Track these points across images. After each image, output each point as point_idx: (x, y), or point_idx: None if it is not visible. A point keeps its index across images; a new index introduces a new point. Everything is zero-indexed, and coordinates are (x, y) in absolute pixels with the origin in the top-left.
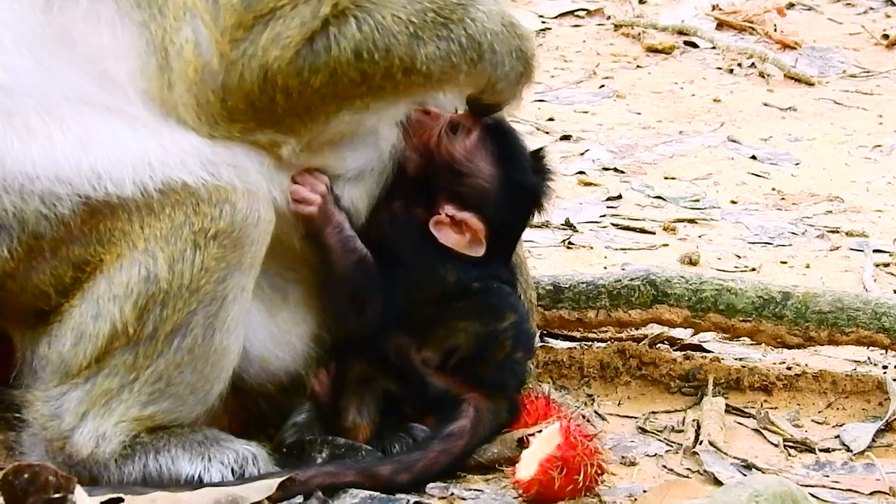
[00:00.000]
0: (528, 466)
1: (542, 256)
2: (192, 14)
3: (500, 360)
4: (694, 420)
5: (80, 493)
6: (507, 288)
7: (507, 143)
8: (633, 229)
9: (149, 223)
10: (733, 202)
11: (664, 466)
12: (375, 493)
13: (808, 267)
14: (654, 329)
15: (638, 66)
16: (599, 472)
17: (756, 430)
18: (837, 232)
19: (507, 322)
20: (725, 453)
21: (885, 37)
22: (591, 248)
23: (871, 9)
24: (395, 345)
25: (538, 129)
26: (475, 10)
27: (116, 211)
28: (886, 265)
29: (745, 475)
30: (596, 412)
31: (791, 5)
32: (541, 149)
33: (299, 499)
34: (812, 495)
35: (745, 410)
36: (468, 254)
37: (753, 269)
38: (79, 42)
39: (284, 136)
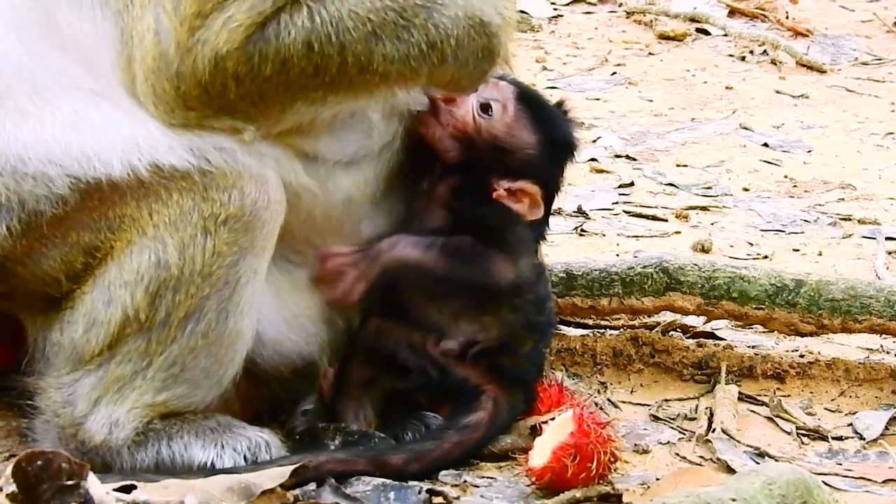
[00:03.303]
0: (540, 454)
1: (555, 244)
2: (156, 3)
3: (525, 352)
4: (707, 408)
5: (92, 479)
6: (545, 275)
7: (539, 106)
8: (646, 216)
9: (157, 210)
10: (745, 189)
11: (677, 454)
12: (388, 481)
13: (820, 254)
14: (666, 316)
15: (650, 54)
16: (612, 459)
17: (769, 418)
18: (850, 219)
19: (549, 316)
20: (738, 441)
21: None
22: (604, 235)
23: None
24: (407, 342)
25: None
26: (439, 16)
27: (125, 197)
28: None
29: (757, 463)
30: (609, 400)
31: None
32: (561, 101)
33: (312, 486)
34: (825, 483)
35: (758, 398)
36: (531, 218)
37: (766, 257)
38: (63, 28)
39: (243, 122)
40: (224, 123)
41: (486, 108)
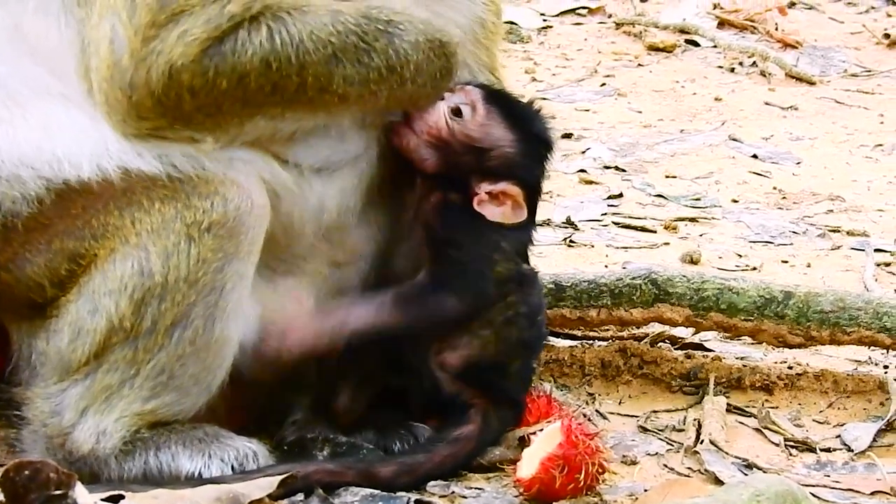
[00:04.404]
0: (529, 465)
1: (544, 255)
2: (112, 12)
3: (516, 369)
4: (695, 419)
5: (80, 489)
6: (538, 284)
7: (508, 103)
8: (635, 228)
9: (139, 218)
10: (734, 201)
11: (665, 465)
12: (376, 491)
13: (809, 266)
14: (655, 328)
15: (639, 65)
16: (600, 470)
17: (757, 430)
18: (838, 231)
19: (539, 329)
20: (726, 452)
21: (887, 36)
22: (593, 246)
23: (873, 8)
24: (414, 343)
25: None
26: (399, 41)
27: (108, 206)
28: (888, 264)
29: (746, 474)
30: (597, 411)
31: (792, 4)
32: (532, 100)
33: (300, 496)
34: (813, 495)
35: (747, 410)
36: (514, 221)
37: (754, 269)
38: (30, 36)
39: (200, 133)
40: (180, 134)
41: (456, 111)
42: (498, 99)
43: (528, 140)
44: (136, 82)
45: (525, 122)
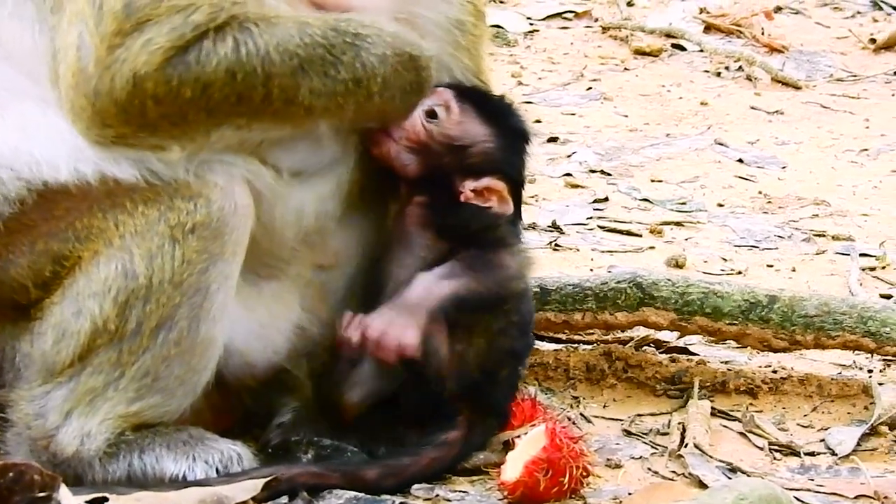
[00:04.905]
0: (513, 468)
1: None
2: (80, 19)
3: (503, 377)
4: (679, 423)
5: (64, 492)
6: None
7: (481, 99)
8: (620, 232)
9: (123, 220)
10: (720, 205)
11: (649, 469)
12: (360, 494)
13: (794, 270)
14: (640, 332)
15: (625, 69)
16: (584, 474)
17: (741, 434)
18: (824, 235)
19: (529, 338)
20: (711, 456)
21: (873, 41)
22: (578, 250)
23: (859, 13)
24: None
25: None
26: (366, 54)
27: (91, 208)
28: (872, 269)
29: (730, 478)
30: (581, 414)
31: (779, 9)
32: (503, 94)
33: (284, 499)
34: (797, 499)
35: (731, 413)
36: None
37: (740, 273)
38: (6, 40)
39: (166, 142)
40: (145, 142)
41: (431, 113)
42: (471, 96)
43: (506, 133)
44: (100, 90)
45: (500, 115)
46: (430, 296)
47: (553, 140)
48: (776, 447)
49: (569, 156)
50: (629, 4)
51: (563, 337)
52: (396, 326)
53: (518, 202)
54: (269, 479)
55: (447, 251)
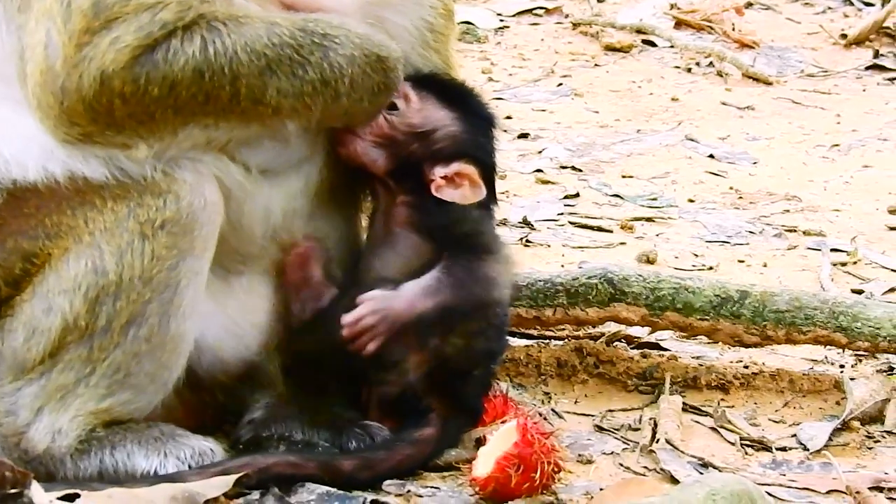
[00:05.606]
0: (484, 464)
1: None
2: (48, 18)
3: (478, 375)
4: (651, 418)
5: (36, 488)
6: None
7: (440, 85)
8: (591, 227)
9: (92, 217)
10: (691, 201)
11: (621, 464)
12: (333, 490)
13: (765, 266)
14: (611, 327)
15: (596, 65)
16: (556, 469)
17: (713, 429)
18: (795, 231)
19: (504, 339)
20: (682, 451)
21: (844, 36)
22: (549, 246)
23: (830, 8)
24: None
25: None
26: (334, 55)
27: (61, 205)
28: (843, 264)
29: (701, 473)
30: (553, 410)
31: (749, 4)
32: (462, 80)
33: (256, 495)
34: (769, 493)
35: (702, 409)
36: (475, 201)
37: (711, 268)
38: None
39: (133, 140)
40: (113, 140)
41: (391, 106)
42: (429, 83)
43: (470, 116)
44: (67, 88)
45: (461, 99)
46: (413, 310)
47: (524, 136)
48: (748, 442)
49: (539, 152)
50: (600, 0)
51: (535, 333)
52: (376, 329)
53: (491, 186)
54: (240, 475)
55: (433, 253)
